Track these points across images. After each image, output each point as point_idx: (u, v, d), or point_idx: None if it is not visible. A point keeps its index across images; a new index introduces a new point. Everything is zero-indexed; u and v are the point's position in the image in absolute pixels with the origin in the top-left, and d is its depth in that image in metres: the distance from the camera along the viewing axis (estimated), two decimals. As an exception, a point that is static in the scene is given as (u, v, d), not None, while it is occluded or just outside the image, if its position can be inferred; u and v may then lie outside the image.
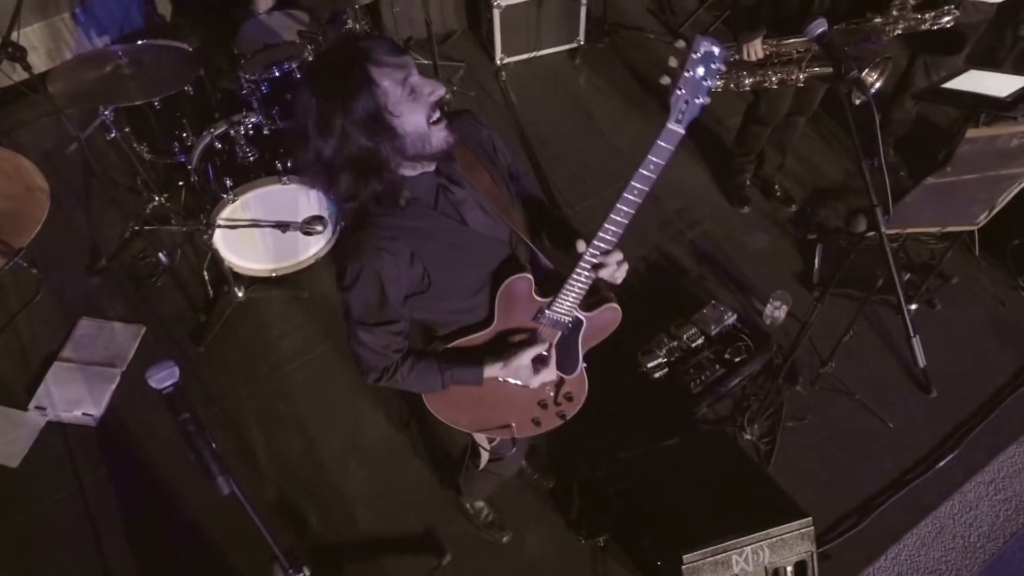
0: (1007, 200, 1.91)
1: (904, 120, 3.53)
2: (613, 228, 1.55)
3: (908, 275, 3.19)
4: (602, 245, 1.57)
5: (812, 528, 2.23)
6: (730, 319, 3.09)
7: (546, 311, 1.71)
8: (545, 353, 1.77)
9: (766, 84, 2.86)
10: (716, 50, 1.30)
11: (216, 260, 3.19)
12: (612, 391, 3.00)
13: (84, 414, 3.03)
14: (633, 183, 1.52)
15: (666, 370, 3.00)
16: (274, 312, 3.33)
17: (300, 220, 3.07)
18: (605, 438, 2.86)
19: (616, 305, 1.80)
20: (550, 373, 1.80)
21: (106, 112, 2.95)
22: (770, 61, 2.81)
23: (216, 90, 3.44)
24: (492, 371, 1.74)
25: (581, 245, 1.59)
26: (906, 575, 2.64)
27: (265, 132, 3.18)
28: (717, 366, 2.97)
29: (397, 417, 3.00)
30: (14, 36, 2.71)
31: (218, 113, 3.43)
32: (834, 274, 2.15)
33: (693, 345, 3.04)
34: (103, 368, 3.17)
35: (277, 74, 2.98)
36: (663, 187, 3.63)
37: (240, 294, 3.30)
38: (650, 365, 2.99)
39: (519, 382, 1.80)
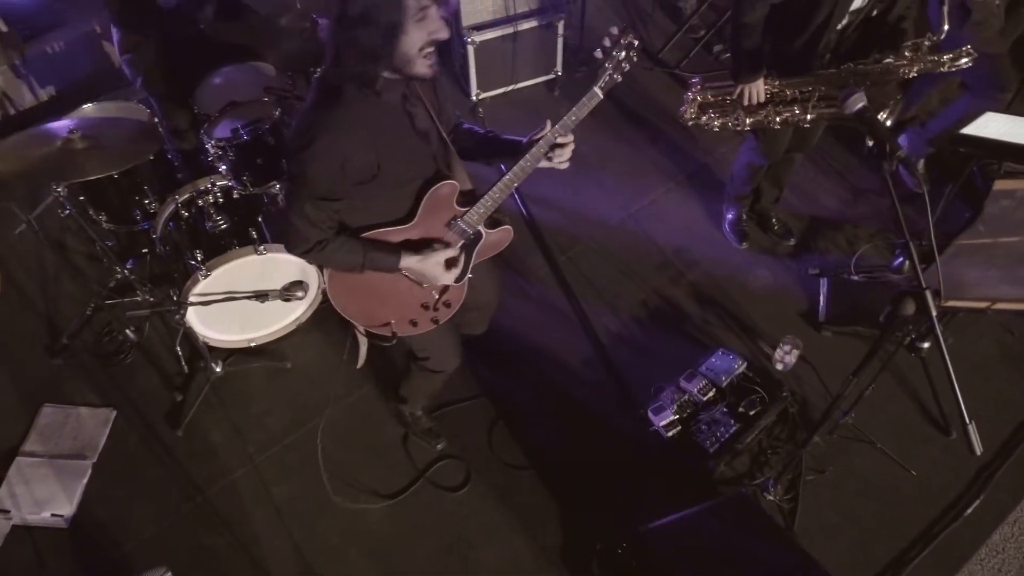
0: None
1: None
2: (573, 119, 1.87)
3: (913, 308, 3.09)
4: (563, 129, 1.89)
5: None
6: (740, 368, 2.97)
7: (458, 220, 2.03)
8: (456, 255, 2.06)
9: (767, 123, 2.74)
10: (636, 43, 1.82)
11: (189, 336, 2.96)
12: (622, 452, 2.87)
13: (53, 515, 2.78)
14: (565, 118, 1.87)
15: (678, 428, 2.86)
16: (256, 386, 3.11)
17: (279, 287, 2.90)
18: (620, 505, 2.73)
19: (510, 227, 2.17)
20: (455, 275, 2.08)
21: (59, 189, 2.69)
22: (772, 101, 2.68)
23: (179, 151, 3.19)
24: (408, 262, 1.99)
25: (548, 125, 1.90)
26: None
27: (235, 196, 2.96)
28: (732, 421, 2.84)
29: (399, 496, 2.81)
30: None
31: (182, 175, 3.20)
32: (840, 311, 2.05)
33: (705, 399, 2.91)
34: (72, 461, 2.91)
35: (246, 138, 2.75)
36: (658, 227, 3.54)
37: (218, 369, 3.07)
38: (661, 424, 2.85)
39: (427, 277, 2.06)
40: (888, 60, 2.38)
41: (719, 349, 3.03)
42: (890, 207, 1.67)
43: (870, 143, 2.02)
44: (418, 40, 1.69)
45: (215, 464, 2.91)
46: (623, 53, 1.81)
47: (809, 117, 2.59)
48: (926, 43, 2.33)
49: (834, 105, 2.46)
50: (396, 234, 2.01)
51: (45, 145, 2.56)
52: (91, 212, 3.03)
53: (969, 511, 2.70)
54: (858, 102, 1.73)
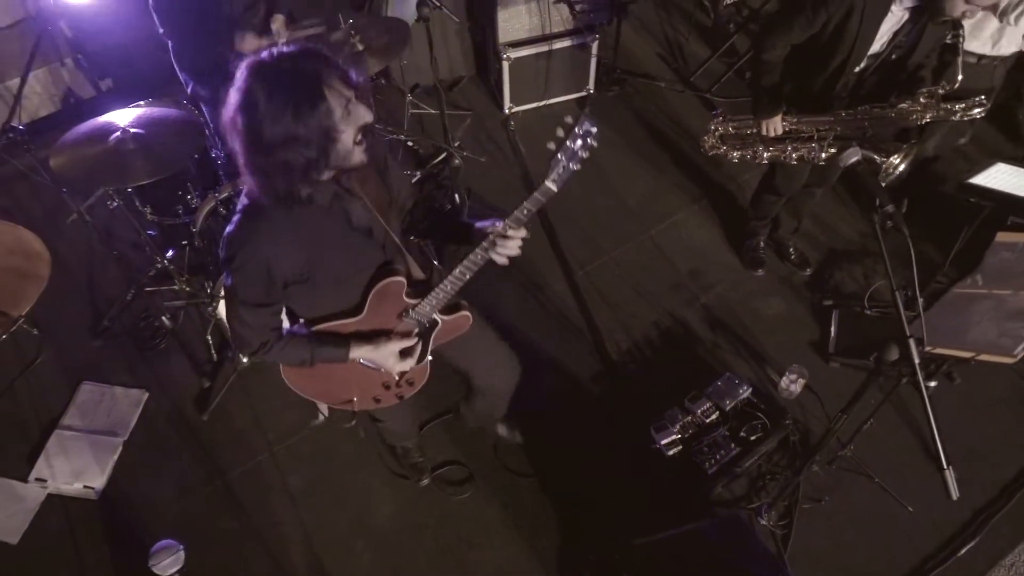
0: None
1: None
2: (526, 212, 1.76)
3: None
4: (515, 222, 1.78)
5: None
6: (745, 392, 3.03)
7: (410, 311, 1.99)
8: (410, 345, 2.04)
9: (784, 158, 2.80)
10: (595, 130, 1.63)
11: (220, 326, 3.13)
12: (624, 467, 2.96)
13: (86, 487, 2.97)
14: (517, 211, 1.76)
15: (680, 447, 2.94)
16: (279, 379, 3.21)
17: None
18: (617, 519, 2.81)
19: (468, 313, 2.12)
20: (412, 363, 2.07)
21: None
22: (789, 137, 2.75)
23: (223, 153, 3.36)
24: (358, 353, 1.97)
25: (500, 222, 1.80)
26: (927, 669, 2.58)
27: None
28: (732, 445, 2.91)
29: (405, 493, 2.94)
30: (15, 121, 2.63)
31: (222, 172, 3.37)
32: (850, 344, 2.09)
33: (708, 421, 2.98)
34: (105, 437, 3.10)
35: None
36: (676, 248, 3.62)
37: (244, 360, 3.23)
38: (664, 442, 2.93)
39: (381, 367, 2.05)
40: (903, 105, 2.43)
41: (726, 374, 3.10)
42: (880, 257, 1.73)
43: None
44: (351, 135, 1.62)
45: (236, 450, 3.07)
46: (579, 142, 1.65)
47: (824, 156, 2.64)
48: (940, 91, 2.37)
49: (848, 146, 2.52)
50: (346, 327, 1.97)
51: (99, 144, 2.75)
52: (137, 204, 3.22)
53: (963, 552, 2.73)
54: (851, 156, 1.80)
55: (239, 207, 1.75)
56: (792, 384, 3.06)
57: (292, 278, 1.78)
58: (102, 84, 4.36)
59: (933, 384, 3.04)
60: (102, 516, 2.93)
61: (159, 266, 3.34)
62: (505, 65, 3.89)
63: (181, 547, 1.53)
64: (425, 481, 2.93)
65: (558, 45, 3.89)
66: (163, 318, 3.37)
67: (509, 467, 2.98)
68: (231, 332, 1.88)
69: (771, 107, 2.67)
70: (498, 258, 1.84)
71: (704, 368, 3.19)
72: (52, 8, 3.20)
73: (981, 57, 2.88)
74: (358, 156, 1.67)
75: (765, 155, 2.81)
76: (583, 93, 4.20)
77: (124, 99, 3.13)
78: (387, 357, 2.00)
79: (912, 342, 1.70)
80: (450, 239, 2.14)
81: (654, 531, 2.61)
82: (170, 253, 3.36)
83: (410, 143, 3.98)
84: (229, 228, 1.74)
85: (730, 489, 2.89)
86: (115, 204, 2.97)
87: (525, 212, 1.76)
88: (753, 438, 2.92)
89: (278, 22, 2.94)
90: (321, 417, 2.39)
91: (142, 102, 3.09)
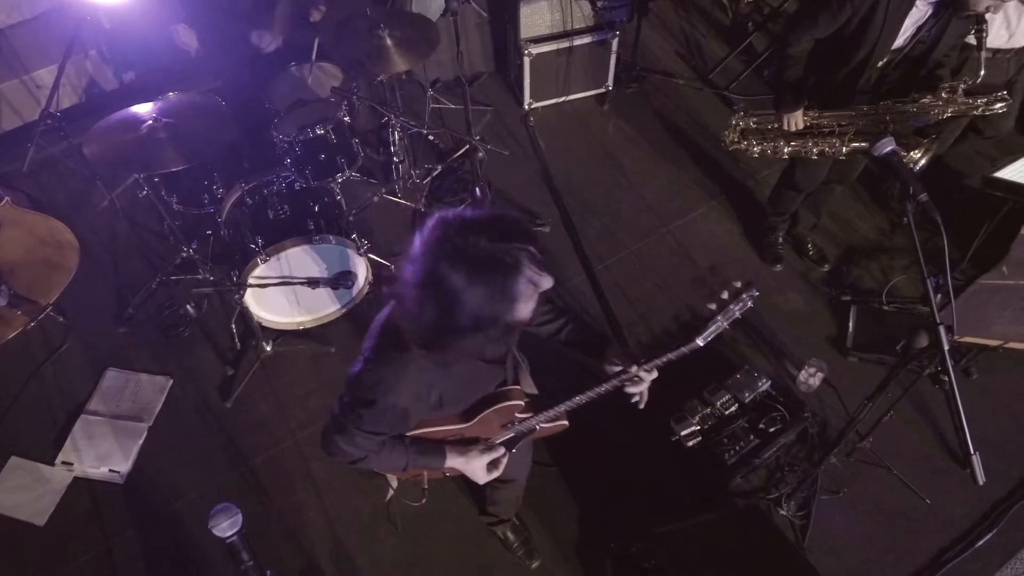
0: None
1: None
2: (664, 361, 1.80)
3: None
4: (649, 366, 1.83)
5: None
6: (764, 385, 3.06)
7: (516, 423, 1.99)
8: (500, 456, 1.99)
9: (805, 153, 2.83)
10: (756, 294, 1.72)
11: (244, 314, 3.17)
12: (645, 459, 2.99)
13: (111, 471, 3.01)
14: (657, 359, 1.82)
15: (699, 439, 2.97)
16: (301, 367, 3.31)
17: (329, 275, 3.10)
18: (638, 509, 2.85)
19: (565, 422, 2.12)
20: (497, 474, 2.00)
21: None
22: (811, 132, 2.77)
23: (246, 143, 3.41)
24: (452, 463, 1.92)
25: (634, 366, 1.82)
26: (945, 660, 2.60)
27: (297, 188, 3.16)
28: (751, 436, 2.94)
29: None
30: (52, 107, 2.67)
31: (248, 164, 3.41)
32: (868, 338, 2.11)
33: (727, 413, 3.00)
34: (130, 422, 3.15)
35: (311, 135, 2.95)
36: (696, 244, 3.65)
37: (268, 348, 3.28)
38: (683, 433, 2.96)
39: (470, 475, 1.98)
40: (925, 100, 2.46)
41: (745, 367, 3.12)
42: (913, 246, 1.76)
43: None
44: (532, 309, 1.54)
45: (260, 437, 3.11)
46: (739, 307, 1.68)
47: (844, 151, 2.67)
48: (961, 86, 2.40)
49: (869, 141, 2.55)
50: (449, 433, 1.94)
51: (131, 131, 2.79)
52: (164, 194, 3.27)
53: (980, 543, 2.75)
54: (886, 146, 1.82)
55: (380, 333, 1.66)
56: (811, 378, 3.09)
57: (423, 414, 1.78)
58: (125, 76, 4.41)
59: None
60: (127, 500, 2.97)
61: (184, 255, 3.39)
62: (526, 61, 3.92)
63: (239, 510, 1.57)
64: (535, 564, 2.78)
65: (579, 42, 3.92)
66: (187, 306, 3.42)
67: (533, 458, 3.00)
68: (331, 443, 1.78)
69: (794, 101, 2.70)
70: (630, 390, 1.86)
71: (723, 361, 3.22)
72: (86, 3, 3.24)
73: (996, 51, 2.90)
74: (531, 319, 1.57)
75: (786, 150, 2.84)
76: (602, 90, 4.23)
77: (147, 91, 3.18)
78: (477, 471, 1.96)
79: (942, 329, 1.73)
80: (580, 350, 2.03)
81: (674, 521, 2.64)
82: (195, 244, 3.41)
83: (431, 137, 4.02)
84: (370, 364, 1.64)
85: (749, 480, 2.92)
86: (144, 192, 3.01)
87: (664, 360, 1.79)
88: (772, 430, 2.95)
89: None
90: (391, 492, 2.37)
91: (171, 93, 3.14)
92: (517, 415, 1.97)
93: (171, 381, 3.27)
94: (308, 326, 3.33)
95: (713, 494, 2.88)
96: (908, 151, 2.47)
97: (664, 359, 1.77)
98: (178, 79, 4.11)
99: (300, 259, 3.10)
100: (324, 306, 3.33)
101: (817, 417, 3.03)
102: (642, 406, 1.89)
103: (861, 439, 2.83)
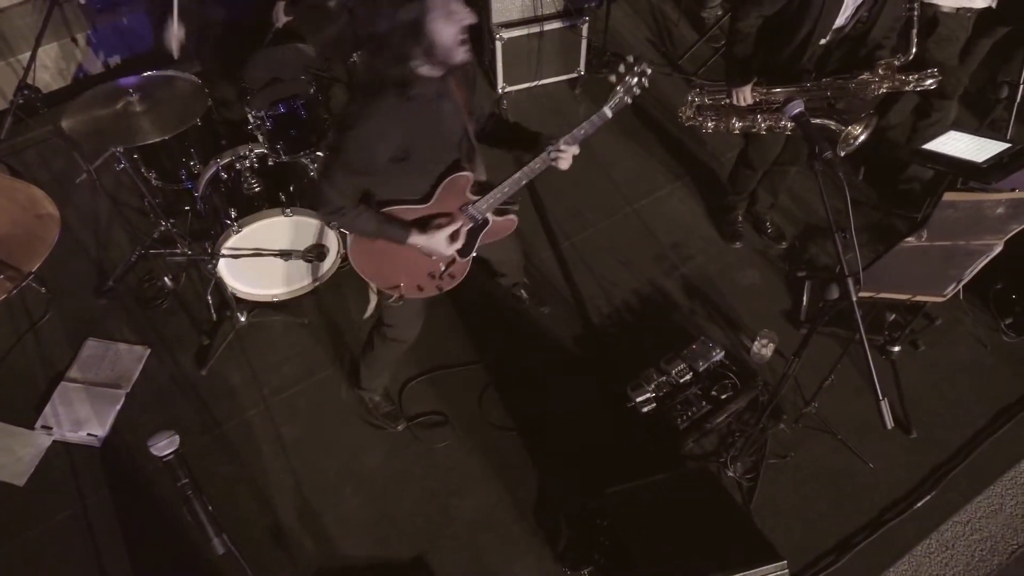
0: (974, 273, 1.98)
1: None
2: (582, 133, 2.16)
3: (893, 316, 3.26)
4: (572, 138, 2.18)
5: (787, 571, 2.32)
6: (718, 355, 3.18)
7: (469, 207, 2.32)
8: (458, 228, 2.32)
9: (755, 129, 2.95)
10: (649, 71, 2.11)
11: (219, 286, 3.29)
12: (601, 424, 3.11)
13: (89, 435, 3.13)
14: (575, 130, 2.17)
15: (654, 405, 3.09)
16: (276, 337, 3.42)
17: (302, 248, 3.21)
18: (593, 471, 2.96)
19: (514, 216, 2.48)
20: (457, 246, 2.36)
21: (116, 146, 3.04)
22: (759, 108, 2.89)
23: (223, 120, 3.52)
24: (415, 240, 2.27)
25: (566, 137, 2.17)
26: (881, 613, 2.72)
27: (270, 164, 3.27)
28: (704, 403, 3.06)
29: (393, 443, 3.10)
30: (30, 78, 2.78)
31: (225, 141, 3.52)
32: (820, 312, 2.23)
33: (681, 381, 3.12)
34: (108, 389, 3.26)
35: (283, 111, 3.07)
36: (659, 222, 3.77)
37: (243, 319, 3.40)
38: (639, 400, 3.08)
39: (432, 251, 2.33)
40: (863, 76, 2.58)
41: (701, 338, 3.24)
42: (821, 201, 1.88)
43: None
44: (452, 33, 1.91)
45: (233, 403, 3.23)
46: (635, 79, 2.07)
47: (789, 126, 2.79)
48: (895, 63, 2.52)
49: (818, 117, 2.66)
50: (411, 212, 2.30)
51: (110, 105, 2.91)
52: (143, 170, 3.38)
53: (919, 504, 2.87)
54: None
55: (359, 82, 2.15)
56: (763, 348, 3.21)
57: (392, 155, 2.09)
58: (110, 61, 4.52)
59: (897, 349, 3.18)
60: (104, 462, 3.09)
61: (163, 229, 3.50)
62: (498, 45, 4.03)
63: (176, 434, 1.69)
64: (400, 426, 3.11)
65: (549, 27, 4.04)
66: (165, 279, 3.53)
67: (492, 422, 3.13)
68: (318, 192, 2.16)
69: (742, 76, 2.82)
70: (557, 164, 2.21)
71: (681, 333, 3.34)
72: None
73: (959, 9, 3.01)
74: (461, 55, 1.96)
75: (737, 125, 2.96)
76: (574, 75, 4.35)
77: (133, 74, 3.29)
78: (440, 242, 2.29)
79: (850, 281, 1.84)
80: (516, 147, 2.41)
81: (627, 482, 2.76)
82: (172, 219, 3.52)
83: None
84: (352, 103, 2.08)
85: (701, 445, 3.04)
86: (121, 166, 3.13)
87: (581, 132, 2.13)
88: (723, 397, 3.07)
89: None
90: (370, 310, 2.68)
91: (149, 72, 3.25)
92: (470, 196, 2.29)
93: (149, 350, 3.38)
94: (282, 298, 3.44)
95: (666, 458, 3.00)
96: (847, 125, 2.58)
97: (581, 130, 2.12)
98: (166, 61, 4.23)
99: (274, 232, 3.21)
100: (298, 278, 3.44)
101: (768, 386, 3.15)
102: (565, 167, 2.23)
103: (806, 404, 2.95)
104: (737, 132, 3.00)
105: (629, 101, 2.12)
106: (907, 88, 2.54)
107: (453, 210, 2.33)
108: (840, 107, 2.71)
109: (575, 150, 2.20)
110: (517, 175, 2.27)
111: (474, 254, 2.53)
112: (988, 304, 3.37)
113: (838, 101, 2.64)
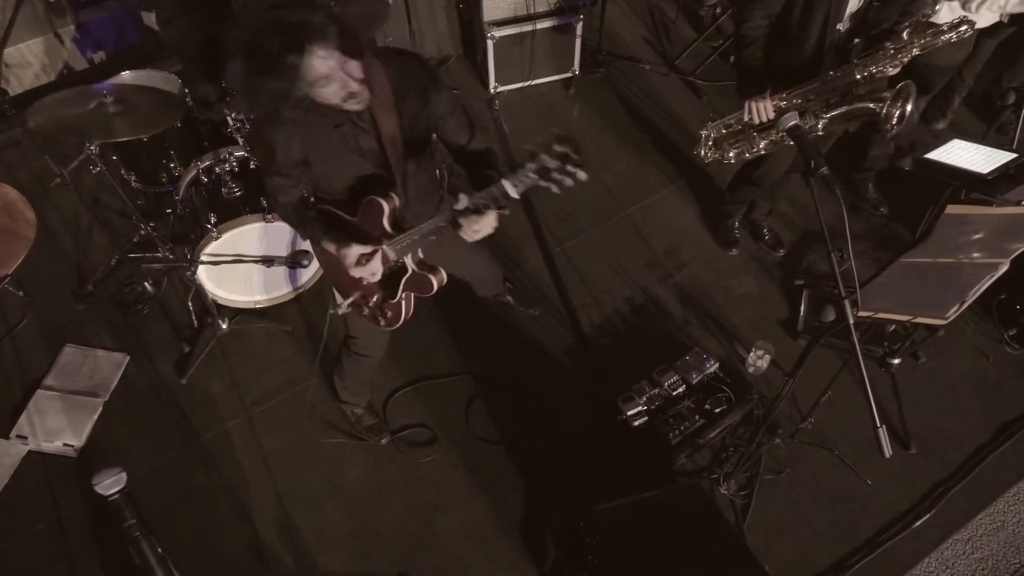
0: (978, 294, 1.89)
1: (882, 156, 3.52)
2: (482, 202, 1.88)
3: (893, 326, 3.17)
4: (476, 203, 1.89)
5: (779, 598, 2.24)
6: (712, 367, 3.08)
7: (386, 243, 2.18)
8: (371, 257, 2.19)
9: (783, 142, 2.71)
10: (576, 158, 1.61)
11: (200, 292, 3.20)
12: (591, 438, 3.02)
13: (65, 445, 3.04)
14: (475, 198, 1.89)
15: (646, 418, 2.99)
16: (258, 345, 3.34)
17: (285, 255, 3.12)
18: (582, 487, 2.88)
19: (435, 279, 2.30)
20: (367, 272, 2.22)
21: (91, 147, 2.95)
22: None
23: (205, 120, 3.43)
24: (330, 245, 2.21)
25: (463, 199, 1.90)
26: (878, 636, 2.64)
27: (251, 167, 3.18)
28: (697, 417, 2.97)
29: (376, 456, 3.01)
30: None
31: (207, 143, 3.42)
32: (817, 334, 2.13)
33: (674, 393, 3.03)
34: (86, 398, 3.17)
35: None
36: (653, 227, 3.67)
37: (224, 326, 3.30)
38: (630, 413, 2.99)
39: (345, 261, 2.20)
40: (889, 45, 2.38)
41: (694, 348, 3.15)
42: (820, 223, 1.79)
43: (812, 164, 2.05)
44: (335, 95, 1.87)
45: (213, 412, 3.14)
46: (555, 163, 1.60)
47: (820, 125, 2.58)
48: (921, 19, 2.35)
49: (846, 103, 2.47)
50: (342, 220, 2.25)
51: (81, 105, 2.82)
52: (122, 172, 3.29)
53: (918, 523, 2.79)
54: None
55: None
56: (759, 360, 3.11)
57: (291, 160, 2.09)
58: (96, 57, 4.43)
59: (897, 362, 3.09)
60: (79, 473, 3.00)
61: (143, 233, 3.41)
62: (490, 44, 3.93)
63: (123, 471, 1.60)
64: (384, 440, 3.02)
65: (542, 25, 3.93)
66: (146, 284, 3.43)
67: (478, 435, 3.04)
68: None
69: (757, 86, 2.63)
70: (464, 234, 1.95)
71: (674, 344, 3.25)
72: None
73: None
74: (352, 105, 1.90)
75: (762, 144, 2.76)
76: (568, 74, 4.24)
77: (117, 71, 3.20)
78: (347, 255, 2.18)
79: (847, 303, 1.75)
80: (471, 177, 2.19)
81: (617, 498, 2.67)
82: (153, 223, 3.43)
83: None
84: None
85: (693, 460, 2.95)
86: (98, 168, 3.03)
87: (482, 201, 1.86)
88: (718, 411, 2.97)
89: None
90: (341, 309, 2.54)
91: (125, 72, 3.16)
92: (386, 226, 2.14)
93: (128, 358, 3.30)
94: (264, 305, 3.35)
95: (657, 473, 2.91)
96: (882, 104, 2.37)
97: (480, 199, 1.85)
98: (149, 58, 4.14)
99: (256, 238, 3.12)
100: (280, 285, 3.35)
101: (764, 399, 3.06)
102: (476, 238, 1.98)
103: (803, 419, 2.86)
104: (763, 152, 2.80)
105: (544, 185, 1.69)
106: (941, 39, 2.32)
107: (374, 235, 2.20)
108: (863, 92, 2.49)
109: (490, 218, 1.92)
110: (425, 226, 2.07)
111: (403, 300, 2.37)
112: (991, 314, 3.27)
113: (859, 87, 2.45)
